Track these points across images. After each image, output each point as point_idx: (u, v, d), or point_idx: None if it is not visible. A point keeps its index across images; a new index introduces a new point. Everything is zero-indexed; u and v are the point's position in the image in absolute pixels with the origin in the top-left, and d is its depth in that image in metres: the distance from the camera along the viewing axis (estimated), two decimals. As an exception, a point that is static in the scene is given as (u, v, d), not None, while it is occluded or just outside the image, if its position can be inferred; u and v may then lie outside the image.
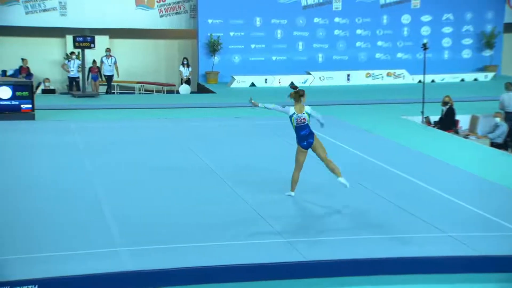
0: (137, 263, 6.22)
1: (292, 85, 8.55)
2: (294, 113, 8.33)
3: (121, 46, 24.16)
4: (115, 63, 21.43)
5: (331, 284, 6.11)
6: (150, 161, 10.83)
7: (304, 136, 8.34)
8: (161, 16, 23.94)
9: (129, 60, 23.85)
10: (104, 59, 21.15)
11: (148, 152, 11.55)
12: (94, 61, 21.38)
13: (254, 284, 6.10)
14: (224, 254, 6.48)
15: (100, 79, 21.54)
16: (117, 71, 21.52)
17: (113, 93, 22.47)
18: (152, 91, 23.51)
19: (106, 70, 21.29)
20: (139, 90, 23.61)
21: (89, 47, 19.46)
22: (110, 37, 23.76)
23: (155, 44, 24.69)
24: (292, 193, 8.50)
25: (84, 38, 19.33)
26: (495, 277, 6.21)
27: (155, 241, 6.82)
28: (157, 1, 23.85)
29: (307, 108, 8.36)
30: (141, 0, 23.78)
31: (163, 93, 23.16)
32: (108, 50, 21.11)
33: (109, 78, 21.53)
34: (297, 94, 8.38)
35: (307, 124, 8.34)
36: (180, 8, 24.08)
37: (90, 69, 21.20)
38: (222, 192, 8.92)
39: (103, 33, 23.15)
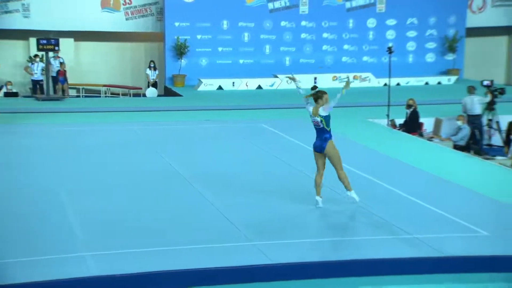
0: (102, 268, 6.15)
1: (313, 86, 8.34)
2: (310, 115, 8.15)
3: (86, 48, 23.88)
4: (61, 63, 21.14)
5: (298, 286, 6.13)
6: (116, 165, 10.72)
7: (317, 138, 8.13)
8: (127, 19, 23.73)
9: (94, 63, 23.59)
10: (51, 60, 20.71)
11: (114, 155, 11.43)
12: (61, 64, 21.06)
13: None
14: (190, 258, 6.44)
15: (67, 82, 21.25)
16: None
17: (80, 95, 22.17)
18: (119, 94, 23.29)
19: (54, 72, 20.87)
20: (105, 93, 23.36)
21: (53, 50, 19.19)
22: (75, 40, 23.44)
23: (121, 47, 24.46)
24: (318, 198, 8.17)
25: (48, 40, 19.03)
26: (459, 278, 6.32)
27: (120, 245, 6.75)
28: (123, 4, 23.63)
29: (321, 111, 8.07)
30: (107, 2, 23.53)
31: (130, 96, 22.98)
32: (56, 51, 20.58)
33: (56, 79, 21.09)
34: (315, 95, 8.17)
35: (323, 127, 8.07)
36: (147, 11, 23.91)
37: (59, 72, 20.91)
38: (189, 195, 8.88)
39: (68, 35, 22.82)
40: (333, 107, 8.02)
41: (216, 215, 7.95)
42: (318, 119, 8.07)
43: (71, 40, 23.22)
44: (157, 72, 22.39)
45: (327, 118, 8.06)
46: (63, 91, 20.79)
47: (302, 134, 13.53)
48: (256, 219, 7.77)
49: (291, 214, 8.01)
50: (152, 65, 22.26)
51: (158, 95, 22.12)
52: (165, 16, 23.25)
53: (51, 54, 19.84)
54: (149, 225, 7.54)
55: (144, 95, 22.28)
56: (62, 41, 20.56)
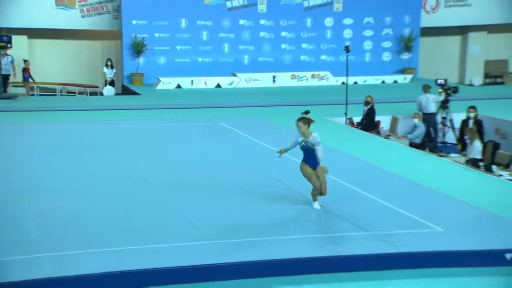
0: (56, 269, 6.06)
1: (306, 111, 8.33)
2: (301, 140, 8.15)
3: (41, 46, 23.41)
4: (12, 62, 20.71)
5: (257, 285, 6.16)
6: (72, 164, 10.56)
7: (310, 156, 8.07)
8: (83, 17, 23.36)
9: (49, 61, 23.16)
10: None
11: (71, 155, 11.25)
12: (26, 61, 20.66)
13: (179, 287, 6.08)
14: (149, 258, 6.40)
15: (31, 80, 20.92)
16: (14, 70, 20.86)
17: (35, 94, 21.72)
18: (75, 92, 22.91)
19: (3, 70, 20.42)
20: (61, 92, 22.95)
21: (5, 47, 18.76)
22: (29, 37, 22.96)
23: (77, 45, 24.06)
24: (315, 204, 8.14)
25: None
26: (416, 273, 6.45)
27: (76, 246, 6.66)
28: (78, 1, 23.25)
29: (315, 135, 8.12)
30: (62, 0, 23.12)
31: (86, 95, 22.64)
32: (6, 49, 20.13)
33: (6, 77, 20.65)
34: (307, 119, 8.21)
35: (313, 152, 8.05)
36: (103, 8, 23.58)
37: (24, 70, 20.58)
38: (149, 195, 8.82)
39: (21, 33, 22.32)
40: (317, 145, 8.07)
41: (175, 214, 7.91)
42: (309, 143, 8.05)
43: (25, 37, 22.71)
44: (114, 70, 22.14)
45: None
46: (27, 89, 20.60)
47: (261, 132, 13.60)
48: (214, 218, 7.77)
49: (250, 213, 8.03)
50: (109, 64, 22.00)
51: (116, 94, 21.88)
52: (122, 14, 22.99)
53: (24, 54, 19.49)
54: (108, 225, 7.46)
55: (101, 94, 21.99)
56: (15, 38, 20.09)
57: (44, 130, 13.84)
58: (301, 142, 8.12)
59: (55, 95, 22.70)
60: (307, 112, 8.27)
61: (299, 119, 8.17)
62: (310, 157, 8.08)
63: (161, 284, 6.09)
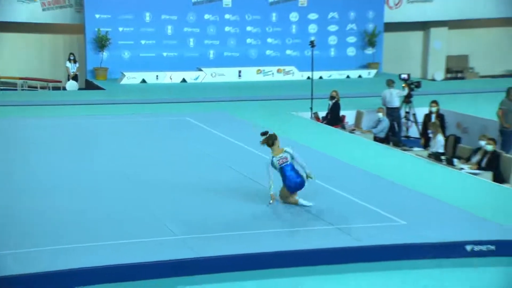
0: (22, 266, 5.96)
1: (262, 133, 8.13)
2: (273, 157, 7.94)
3: (0, 40, 22.88)
4: None
5: (224, 279, 6.17)
6: (32, 161, 10.38)
7: (291, 177, 7.88)
8: (44, 10, 22.91)
9: (10, 55, 22.67)
10: None
11: (31, 152, 11.05)
12: None
13: (147, 283, 6.03)
14: (115, 253, 6.35)
15: None
16: None
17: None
18: (37, 87, 22.50)
19: None
20: (22, 87, 22.50)
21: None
22: (-12, 31, 22.44)
23: (38, 39, 23.61)
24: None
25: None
26: (380, 266, 6.54)
27: (41, 243, 6.56)
28: (39, -6, 22.80)
29: (288, 149, 8.02)
30: (22, -8, 22.62)
31: (49, 89, 22.27)
32: None
33: None
34: (269, 140, 8.04)
35: (291, 163, 7.91)
36: (65, 1, 23.17)
37: None
38: (115, 190, 8.73)
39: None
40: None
41: (140, 209, 7.85)
42: (286, 154, 7.93)
43: (-16, 30, 22.20)
44: (77, 64, 21.82)
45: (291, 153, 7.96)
46: None
47: (227, 127, 13.59)
48: (181, 214, 7.74)
49: (216, 209, 8.02)
50: (72, 58, 21.67)
51: (79, 89, 21.58)
52: (85, 7, 22.63)
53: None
54: (74, 221, 7.37)
55: (64, 89, 21.66)
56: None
57: (2, 126, 13.54)
58: (274, 162, 7.91)
59: (16, 89, 22.25)
60: (264, 134, 8.15)
61: (264, 142, 8.06)
62: (285, 176, 7.91)
63: (132, 280, 6.04)
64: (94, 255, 6.34)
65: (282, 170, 7.94)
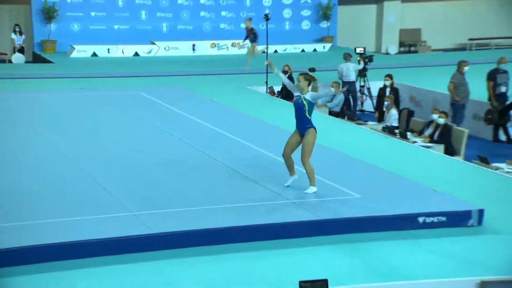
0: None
1: (311, 68, 7.93)
2: (295, 94, 7.60)
3: None
4: None
5: (179, 255, 6.19)
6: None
7: (297, 120, 7.57)
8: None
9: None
10: None
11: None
12: None
13: (103, 259, 6.01)
14: (69, 230, 6.28)
15: None
16: None
17: None
18: (-20, 60, 21.78)
19: None
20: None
21: None
22: None
23: (-20, 10, 22.77)
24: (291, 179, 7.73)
25: None
26: (336, 239, 6.67)
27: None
28: (-21, -38, 21.92)
29: (308, 95, 7.53)
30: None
31: (-6, 63, 21.59)
32: None
33: None
34: (309, 76, 7.62)
35: (305, 114, 7.50)
36: (9, -30, 22.36)
37: None
38: (67, 167, 8.59)
39: None
40: (318, 99, 7.56)
41: (95, 186, 7.76)
42: (300, 99, 7.53)
43: None
44: (24, 37, 21.18)
45: (310, 105, 7.53)
46: None
47: (181, 102, 13.50)
48: (136, 190, 7.69)
49: (172, 185, 8.00)
50: (17, 30, 21.02)
51: (26, 62, 21.01)
52: (31, -23, 21.89)
53: None
54: (25, 198, 7.23)
55: (10, 62, 21.04)
56: None
57: None
58: (296, 96, 7.61)
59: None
60: (312, 70, 7.93)
61: (301, 74, 7.67)
62: (299, 118, 7.56)
63: (85, 256, 6.00)
64: (47, 232, 6.26)
65: (295, 103, 7.67)
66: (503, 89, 13.44)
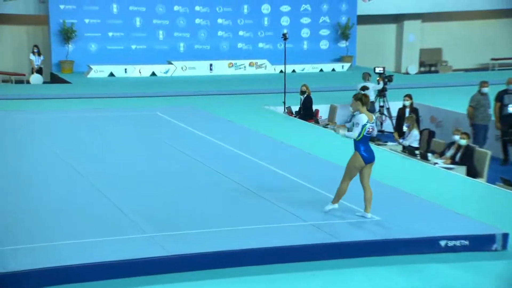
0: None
1: (363, 87, 7.76)
2: (367, 121, 7.28)
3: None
4: None
5: (195, 278, 6.18)
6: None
7: (371, 149, 7.38)
8: (5, 0, 22.48)
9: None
10: None
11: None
12: None
13: (118, 282, 6.01)
14: (84, 252, 6.30)
15: None
16: None
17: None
18: (-1, 81, 22.17)
19: None
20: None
21: None
22: None
23: None
24: (335, 206, 7.59)
25: None
26: (354, 262, 6.62)
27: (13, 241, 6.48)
28: (-1, -16, 22.39)
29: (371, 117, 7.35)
30: (-19, -18, 22.19)
31: (12, 83, 21.93)
32: None
33: None
34: (366, 98, 7.36)
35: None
36: (27, -8, 22.81)
37: None
38: (83, 188, 8.65)
39: None
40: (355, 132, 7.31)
41: (111, 207, 7.80)
42: (374, 125, 7.36)
43: None
44: (42, 57, 21.54)
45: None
46: None
47: (198, 122, 13.57)
48: (152, 211, 7.71)
49: (188, 205, 8.01)
50: (36, 50, 21.37)
51: (44, 82, 21.29)
52: (49, -3, 22.31)
53: None
54: (40, 219, 7.28)
55: (28, 82, 21.35)
56: None
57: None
58: (367, 126, 7.28)
59: (-23, 83, 21.87)
60: (364, 88, 7.72)
61: (359, 99, 7.37)
62: (367, 146, 7.34)
63: (100, 279, 6.01)
64: (62, 254, 6.29)
65: (365, 139, 7.35)
66: (510, 109, 13.32)
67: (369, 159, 7.43)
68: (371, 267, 6.51)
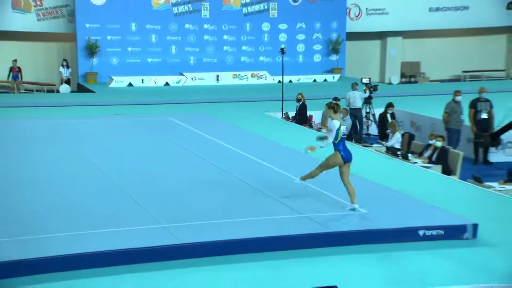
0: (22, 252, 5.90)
1: (335, 97, 7.73)
2: (340, 125, 7.31)
3: (-1, 47, 22.50)
4: None
5: (205, 263, 6.17)
6: (29, 158, 10.23)
7: (348, 150, 7.39)
8: (39, 20, 22.56)
9: (7, 61, 22.28)
10: None
11: (29, 149, 10.89)
12: (15, 61, 20.02)
13: (134, 267, 6.01)
14: (104, 241, 6.30)
15: (20, 79, 20.37)
16: None
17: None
18: (33, 90, 22.18)
19: None
20: (19, 90, 22.16)
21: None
22: (-13, 39, 22.02)
23: (34, 46, 23.26)
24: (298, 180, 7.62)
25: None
26: (343, 250, 6.61)
27: (34, 231, 6.50)
28: (34, 6, 22.42)
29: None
30: (18, 3, 22.22)
31: (44, 92, 21.99)
32: None
33: None
34: (337, 106, 7.44)
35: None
36: (58, 12, 22.85)
37: (11, 69, 20.00)
38: (103, 183, 8.65)
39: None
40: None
41: (130, 201, 7.80)
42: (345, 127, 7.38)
43: (-17, 39, 21.79)
44: (70, 70, 21.60)
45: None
46: (16, 86, 20.13)
47: (206, 126, 13.57)
48: (165, 205, 7.71)
49: (198, 200, 8.01)
50: (65, 64, 21.45)
51: (72, 91, 21.33)
52: (76, 18, 22.38)
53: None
54: (70, 212, 7.29)
55: (58, 91, 21.41)
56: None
57: (1, 126, 13.32)
58: (341, 130, 7.32)
59: (14, 92, 21.88)
60: (336, 99, 7.70)
61: (332, 106, 7.42)
62: (344, 147, 7.36)
63: (121, 264, 6.00)
64: (88, 242, 6.29)
65: (342, 140, 7.36)
66: (483, 115, 13.28)
67: (347, 159, 7.46)
68: (359, 254, 6.50)
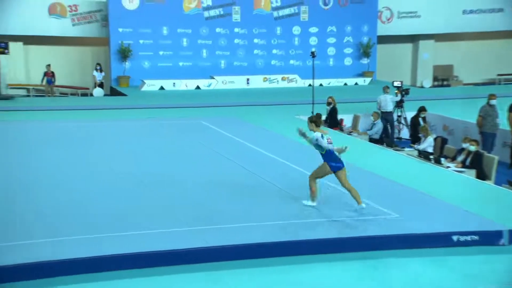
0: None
1: (317, 114, 7.70)
2: (322, 136, 7.37)
3: (35, 52, 23.00)
4: None
5: (232, 267, 6.15)
6: (66, 158, 10.39)
7: (336, 157, 7.37)
8: (73, 25, 23.01)
9: (43, 65, 22.77)
10: None
11: (64, 151, 11.07)
12: (48, 65, 20.58)
13: (163, 269, 6.02)
14: (136, 243, 6.33)
15: (53, 83, 20.91)
16: None
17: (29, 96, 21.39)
18: (67, 94, 22.59)
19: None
20: (54, 93, 22.61)
21: (3, 53, 18.46)
22: (24, 43, 22.54)
23: (69, 51, 23.71)
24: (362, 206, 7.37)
25: (-3, 43, 18.32)
26: (375, 255, 6.50)
27: (72, 232, 6.56)
28: (69, 11, 22.89)
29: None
30: (54, 9, 22.72)
31: (78, 96, 22.37)
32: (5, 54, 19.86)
33: None
34: (319, 120, 7.56)
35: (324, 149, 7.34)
36: (92, 17, 23.26)
37: (45, 74, 20.58)
38: (134, 185, 8.72)
39: (18, 39, 21.91)
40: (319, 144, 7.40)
41: (157, 203, 7.83)
42: (330, 136, 7.43)
43: (21, 44, 22.31)
44: (103, 73, 21.91)
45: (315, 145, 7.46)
46: (50, 90, 20.63)
47: (236, 129, 13.58)
48: (193, 207, 7.71)
49: (226, 202, 7.99)
50: (98, 68, 21.76)
51: (105, 95, 21.65)
52: (110, 22, 22.71)
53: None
54: (98, 211, 7.36)
55: (92, 95, 21.74)
56: (12, 44, 19.73)
57: (38, 128, 13.60)
58: (324, 138, 7.38)
59: (50, 95, 22.33)
60: (317, 116, 7.73)
61: (313, 121, 7.55)
62: (331, 155, 7.38)
63: (146, 266, 6.03)
64: (119, 244, 6.33)
65: (328, 151, 7.37)
66: None
67: (337, 167, 7.41)
68: (405, 258, 6.35)
